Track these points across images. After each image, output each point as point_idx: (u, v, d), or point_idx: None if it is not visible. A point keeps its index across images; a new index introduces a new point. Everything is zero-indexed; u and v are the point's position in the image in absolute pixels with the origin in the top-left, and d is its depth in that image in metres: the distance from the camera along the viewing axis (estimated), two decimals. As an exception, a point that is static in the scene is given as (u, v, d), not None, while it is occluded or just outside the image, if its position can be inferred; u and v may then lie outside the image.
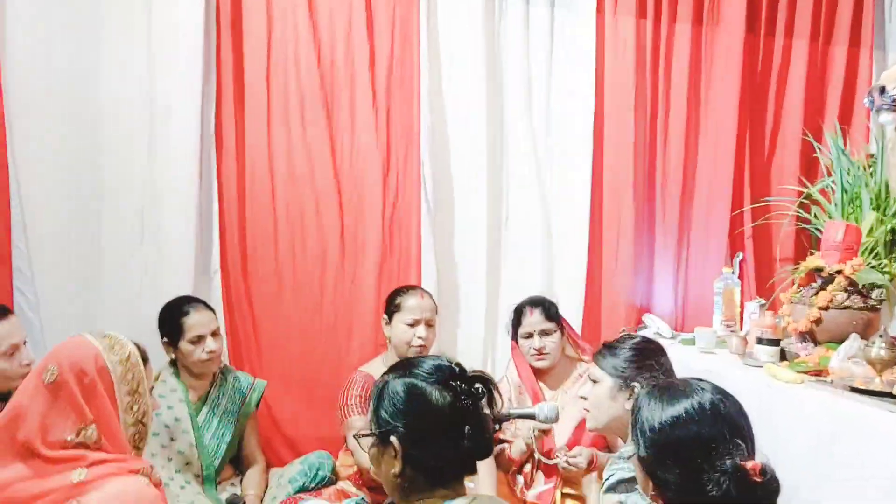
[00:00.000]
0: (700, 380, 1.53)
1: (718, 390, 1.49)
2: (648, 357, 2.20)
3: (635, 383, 2.13)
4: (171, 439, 2.76)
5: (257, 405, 3.07)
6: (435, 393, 1.45)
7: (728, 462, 1.35)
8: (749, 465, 1.35)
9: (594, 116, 3.47)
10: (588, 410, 2.26)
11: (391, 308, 2.98)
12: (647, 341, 2.30)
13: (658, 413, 1.46)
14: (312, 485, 2.88)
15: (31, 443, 1.64)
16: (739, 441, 1.39)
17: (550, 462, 2.83)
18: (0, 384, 2.33)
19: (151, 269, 3.29)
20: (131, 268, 3.29)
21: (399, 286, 3.13)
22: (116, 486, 1.62)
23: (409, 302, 2.94)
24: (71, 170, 3.21)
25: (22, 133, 3.08)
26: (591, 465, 2.70)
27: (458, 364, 1.53)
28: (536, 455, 2.88)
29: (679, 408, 1.44)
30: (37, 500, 1.59)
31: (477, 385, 1.48)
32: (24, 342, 2.45)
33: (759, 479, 1.33)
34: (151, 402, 1.86)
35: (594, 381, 2.25)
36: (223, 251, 3.40)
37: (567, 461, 2.69)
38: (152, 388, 1.88)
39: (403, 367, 1.55)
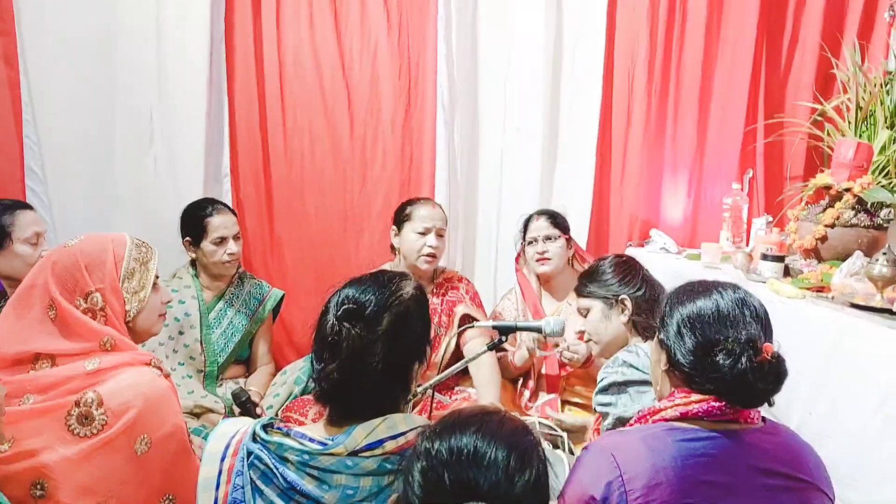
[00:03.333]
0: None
1: (749, 292, 1.52)
2: (627, 272, 2.24)
3: (623, 296, 2.18)
4: (180, 332, 2.85)
5: (274, 314, 3.14)
6: None
7: (744, 333, 1.39)
8: (763, 343, 1.38)
9: (606, 26, 3.41)
10: (590, 341, 2.30)
11: (401, 218, 2.98)
12: (619, 257, 2.34)
13: (689, 302, 1.49)
14: None
15: (53, 296, 1.68)
16: (759, 325, 1.43)
17: (550, 352, 2.90)
18: (22, 271, 2.38)
19: (162, 171, 3.32)
20: (142, 169, 3.32)
21: (410, 197, 3.14)
22: (130, 377, 1.66)
23: (421, 211, 2.95)
24: (82, 70, 3.22)
25: (33, 32, 3.07)
26: (589, 361, 2.77)
27: None
28: (542, 369, 2.94)
29: (709, 295, 1.48)
30: (56, 387, 1.62)
31: None
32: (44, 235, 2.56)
33: (768, 358, 1.36)
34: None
35: (584, 313, 2.29)
36: (233, 155, 3.41)
37: (568, 347, 2.75)
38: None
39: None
